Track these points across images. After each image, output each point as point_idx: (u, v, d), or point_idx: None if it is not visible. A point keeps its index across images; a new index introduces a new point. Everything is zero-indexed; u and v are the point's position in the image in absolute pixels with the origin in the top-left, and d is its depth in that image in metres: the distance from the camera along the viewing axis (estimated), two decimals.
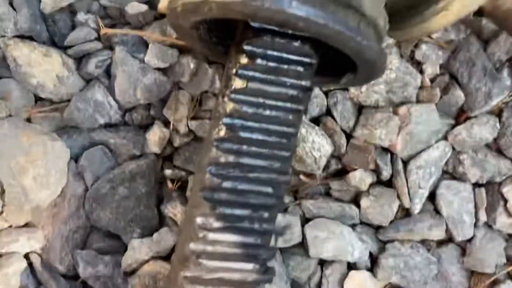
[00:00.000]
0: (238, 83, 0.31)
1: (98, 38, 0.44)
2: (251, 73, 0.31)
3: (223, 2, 0.27)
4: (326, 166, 0.47)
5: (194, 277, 0.30)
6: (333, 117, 0.46)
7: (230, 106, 0.31)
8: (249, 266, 0.31)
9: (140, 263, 0.44)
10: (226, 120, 0.31)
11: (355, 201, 0.47)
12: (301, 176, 0.47)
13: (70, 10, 0.44)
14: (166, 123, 0.45)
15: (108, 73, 0.45)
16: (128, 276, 0.44)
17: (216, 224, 0.30)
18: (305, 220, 0.46)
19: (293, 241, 0.45)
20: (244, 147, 0.31)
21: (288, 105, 0.32)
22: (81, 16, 0.43)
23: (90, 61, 0.43)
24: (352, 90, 0.45)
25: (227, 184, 0.31)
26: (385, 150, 0.47)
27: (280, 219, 0.45)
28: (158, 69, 0.43)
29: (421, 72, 0.48)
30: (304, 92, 0.32)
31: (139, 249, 0.44)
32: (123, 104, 0.43)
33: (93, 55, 0.43)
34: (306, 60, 0.32)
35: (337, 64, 0.36)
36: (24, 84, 0.42)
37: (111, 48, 0.44)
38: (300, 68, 0.32)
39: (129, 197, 0.43)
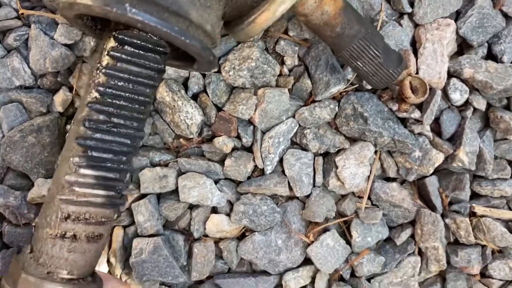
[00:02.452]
0: (110, 61, 0.40)
1: (18, 17, 0.55)
2: (119, 55, 0.40)
3: (85, 5, 0.36)
4: (201, 132, 0.59)
5: (67, 199, 0.40)
6: (207, 93, 0.58)
7: (102, 78, 0.40)
8: (109, 193, 0.41)
9: (42, 197, 0.56)
10: (98, 88, 0.40)
11: (223, 161, 0.59)
12: (181, 140, 0.59)
13: None
14: (71, 89, 0.56)
15: (26, 45, 0.56)
16: (32, 207, 0.56)
17: (87, 163, 0.40)
18: (180, 174, 0.58)
19: (168, 188, 0.57)
20: (111, 109, 0.40)
21: (146, 81, 0.41)
22: None
23: (10, 35, 0.54)
24: (223, 73, 0.57)
25: (96, 135, 0.40)
26: (250, 122, 0.59)
27: (159, 170, 0.57)
28: (65, 44, 0.54)
29: (283, 62, 0.60)
30: (159, 73, 0.42)
31: (42, 186, 0.55)
32: (36, 71, 0.54)
33: (13, 30, 0.54)
34: (161, 49, 0.41)
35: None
36: None
37: (29, 25, 0.55)
38: (157, 55, 0.41)
39: (36, 145, 0.55)
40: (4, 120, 0.54)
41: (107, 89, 0.40)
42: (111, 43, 0.41)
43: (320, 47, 0.58)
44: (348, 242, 0.59)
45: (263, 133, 0.59)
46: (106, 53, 0.41)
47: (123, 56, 0.40)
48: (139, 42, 0.40)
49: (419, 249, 0.61)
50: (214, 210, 0.59)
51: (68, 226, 0.40)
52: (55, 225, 0.40)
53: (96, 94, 0.41)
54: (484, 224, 0.59)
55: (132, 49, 0.41)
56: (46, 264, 0.40)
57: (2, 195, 0.55)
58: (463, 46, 0.61)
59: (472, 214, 0.60)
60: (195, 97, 0.59)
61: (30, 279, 0.40)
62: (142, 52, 0.41)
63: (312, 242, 0.58)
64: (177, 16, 0.39)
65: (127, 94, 0.41)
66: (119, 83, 0.41)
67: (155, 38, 0.41)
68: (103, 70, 0.40)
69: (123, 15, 0.37)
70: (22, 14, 0.54)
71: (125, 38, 0.40)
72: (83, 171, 0.40)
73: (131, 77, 0.41)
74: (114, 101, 0.41)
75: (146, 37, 0.41)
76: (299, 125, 0.58)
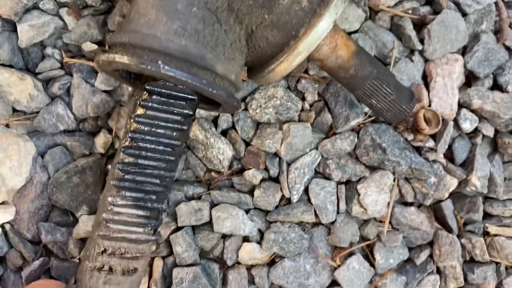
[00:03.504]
0: (140, 110, 0.45)
1: (61, 67, 0.59)
2: (149, 104, 0.44)
3: (124, 63, 0.41)
4: (231, 165, 0.63)
5: (104, 235, 0.45)
6: (236, 130, 0.63)
7: (133, 125, 0.45)
8: (141, 230, 0.46)
9: (87, 232, 0.60)
10: (130, 134, 0.45)
11: (252, 191, 0.63)
12: (212, 173, 0.63)
13: (41, 45, 0.59)
14: (110, 131, 0.61)
15: (69, 92, 0.60)
16: (77, 242, 0.60)
17: (120, 202, 0.45)
18: (213, 205, 0.63)
19: (203, 220, 0.61)
20: (142, 152, 0.45)
21: (174, 126, 0.45)
22: (48, 50, 0.59)
23: (54, 84, 0.59)
24: (250, 111, 0.62)
25: (128, 177, 0.45)
26: (275, 154, 0.63)
27: (194, 204, 0.61)
28: (105, 91, 0.59)
29: (304, 98, 0.65)
30: (186, 118, 0.46)
31: (86, 223, 0.59)
32: (78, 116, 0.59)
33: (57, 79, 0.59)
34: (188, 97, 0.45)
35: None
36: (4, 100, 0.57)
37: (71, 75, 0.59)
38: (183, 102, 0.45)
39: (81, 185, 0.59)
40: (50, 162, 0.59)
41: (137, 135, 0.45)
42: (143, 93, 0.45)
43: (338, 84, 0.62)
44: (372, 264, 0.63)
45: (288, 164, 0.63)
46: (139, 104, 0.45)
47: (152, 104, 0.45)
48: (165, 91, 0.45)
49: (438, 268, 0.65)
50: (245, 238, 0.63)
51: (104, 260, 0.45)
52: (93, 258, 0.45)
53: (128, 140, 0.45)
54: (497, 243, 0.63)
55: (159, 98, 0.45)
56: None
57: (50, 232, 0.59)
58: (470, 77, 0.66)
59: (486, 234, 0.65)
60: (224, 133, 0.63)
61: None
62: (169, 100, 0.45)
63: (339, 265, 0.62)
64: (204, 70, 0.44)
65: (155, 138, 0.45)
66: (148, 129, 0.45)
67: (181, 87, 0.45)
68: (135, 119, 0.45)
69: (157, 72, 0.41)
70: (67, 62, 0.58)
71: (154, 88, 0.45)
72: (116, 209, 0.45)
73: (159, 122, 0.45)
74: (143, 145, 0.45)
75: (172, 87, 0.45)
76: (322, 156, 0.63)
